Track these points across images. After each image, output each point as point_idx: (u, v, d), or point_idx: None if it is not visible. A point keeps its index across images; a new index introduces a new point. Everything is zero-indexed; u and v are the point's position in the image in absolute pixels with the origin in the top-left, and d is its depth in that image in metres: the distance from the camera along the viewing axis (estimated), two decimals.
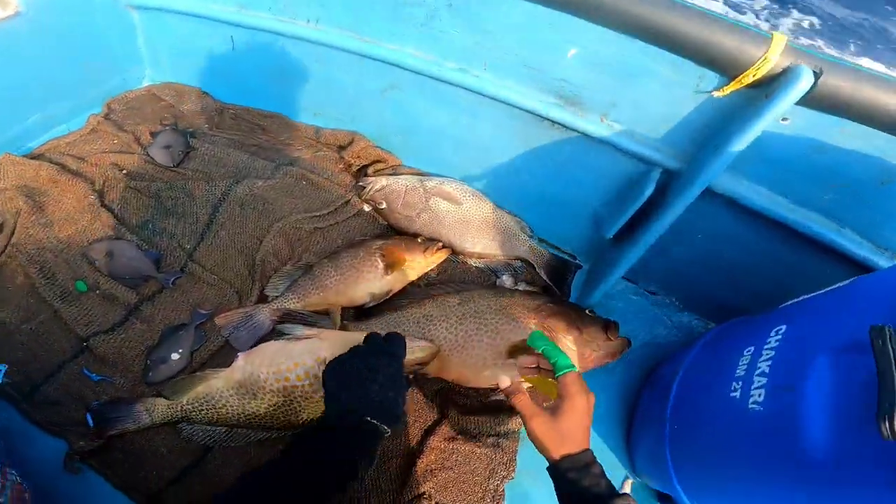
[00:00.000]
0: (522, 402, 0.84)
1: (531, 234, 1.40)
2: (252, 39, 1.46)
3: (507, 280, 1.32)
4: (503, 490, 1.06)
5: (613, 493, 0.75)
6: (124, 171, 1.38)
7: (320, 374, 0.86)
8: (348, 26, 1.28)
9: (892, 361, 0.57)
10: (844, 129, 0.89)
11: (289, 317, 1.13)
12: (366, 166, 1.46)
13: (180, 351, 1.09)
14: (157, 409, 0.99)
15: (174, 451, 1.01)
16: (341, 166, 1.47)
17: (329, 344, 0.98)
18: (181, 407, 0.99)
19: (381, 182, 1.33)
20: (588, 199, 1.27)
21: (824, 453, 0.68)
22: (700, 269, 1.28)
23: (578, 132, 1.13)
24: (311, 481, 0.74)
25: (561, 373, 0.84)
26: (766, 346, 0.85)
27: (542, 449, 0.81)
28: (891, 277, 0.77)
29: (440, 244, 1.27)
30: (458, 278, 1.31)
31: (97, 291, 1.15)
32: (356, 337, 0.94)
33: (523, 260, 1.36)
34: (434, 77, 1.21)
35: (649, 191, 1.08)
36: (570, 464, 0.77)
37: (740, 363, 0.89)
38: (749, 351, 0.89)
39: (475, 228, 1.32)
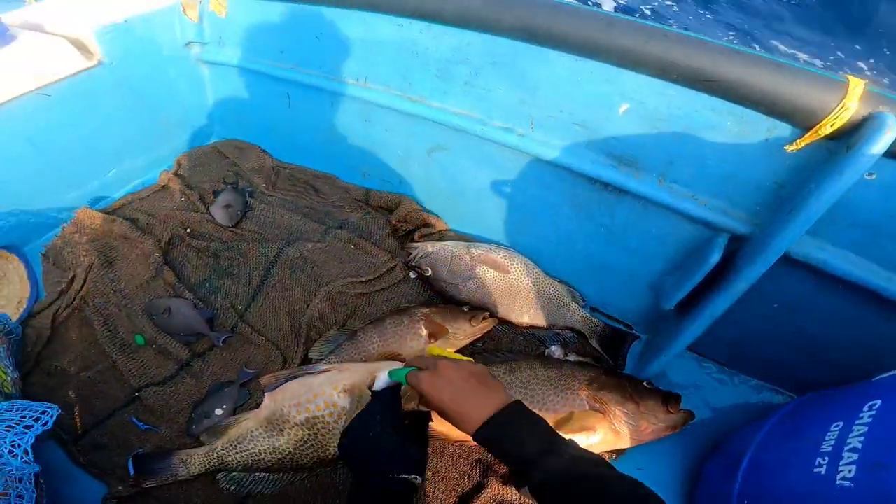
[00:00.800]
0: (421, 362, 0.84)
1: (583, 303, 1.38)
2: (306, 97, 1.59)
3: (556, 350, 1.29)
4: None
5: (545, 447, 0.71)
6: (188, 230, 1.49)
7: (341, 404, 0.90)
8: (395, 85, 1.37)
9: None
10: None
11: None
12: (412, 230, 1.50)
13: (224, 406, 1.14)
14: (194, 459, 1.04)
15: (209, 502, 1.03)
16: (388, 230, 1.52)
17: (349, 374, 1.01)
18: (216, 454, 1.04)
19: (427, 249, 1.37)
20: (646, 267, 1.24)
21: None
22: (777, 342, 1.19)
23: (634, 194, 1.11)
24: None
25: (405, 383, 0.83)
26: (857, 422, 0.83)
27: (449, 418, 0.77)
28: None
29: (486, 314, 1.27)
30: (505, 348, 1.30)
31: (153, 346, 1.24)
32: (373, 367, 0.96)
33: (575, 330, 1.33)
34: (479, 136, 1.25)
35: (715, 259, 1.02)
36: (482, 439, 0.74)
37: (826, 438, 0.86)
38: (837, 426, 0.85)
39: (523, 298, 1.32)
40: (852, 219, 0.91)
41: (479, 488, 1.07)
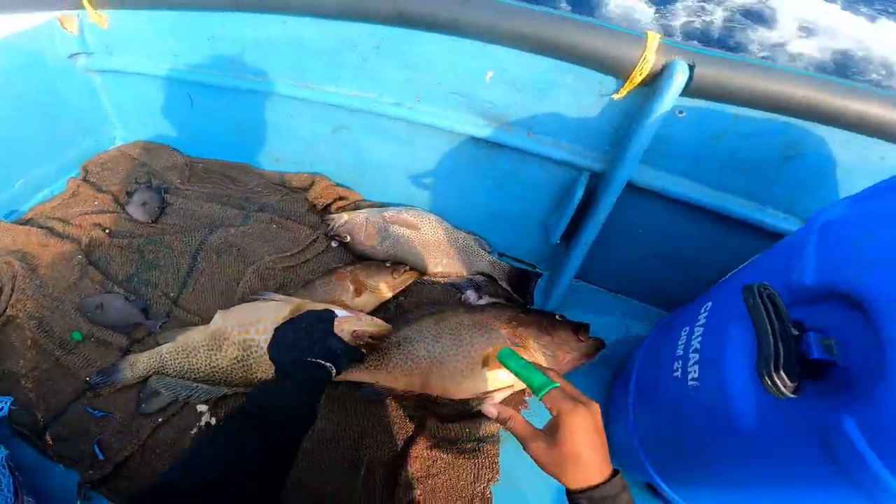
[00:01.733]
0: (517, 426, 0.78)
1: (490, 249, 1.61)
2: (208, 95, 1.70)
3: (471, 295, 1.51)
4: (490, 493, 1.19)
5: None
6: (107, 231, 1.58)
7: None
8: (291, 76, 1.52)
9: (765, 316, 0.62)
10: (737, 114, 1.07)
11: None
12: (329, 204, 1.66)
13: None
14: (140, 361, 1.24)
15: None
16: (307, 207, 1.68)
17: (295, 307, 1.16)
18: (160, 356, 1.23)
19: (343, 217, 1.54)
20: (533, 209, 1.49)
21: (754, 421, 0.73)
22: (648, 262, 1.46)
23: (510, 148, 1.34)
24: (273, 426, 0.78)
25: (541, 394, 0.76)
26: (696, 325, 0.94)
27: (554, 476, 0.72)
28: (788, 242, 0.86)
29: (406, 267, 1.47)
30: (426, 299, 1.50)
31: (92, 339, 1.34)
32: (324, 305, 1.12)
33: (485, 275, 1.56)
34: (375, 113, 1.44)
35: (580, 193, 1.28)
36: (588, 498, 0.68)
37: (679, 344, 0.98)
38: (685, 331, 0.98)
39: (435, 250, 1.53)
40: (676, 150, 1.17)
41: (420, 429, 1.25)
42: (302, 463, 1.19)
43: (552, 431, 0.72)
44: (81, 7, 1.59)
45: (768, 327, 0.59)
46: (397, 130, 1.46)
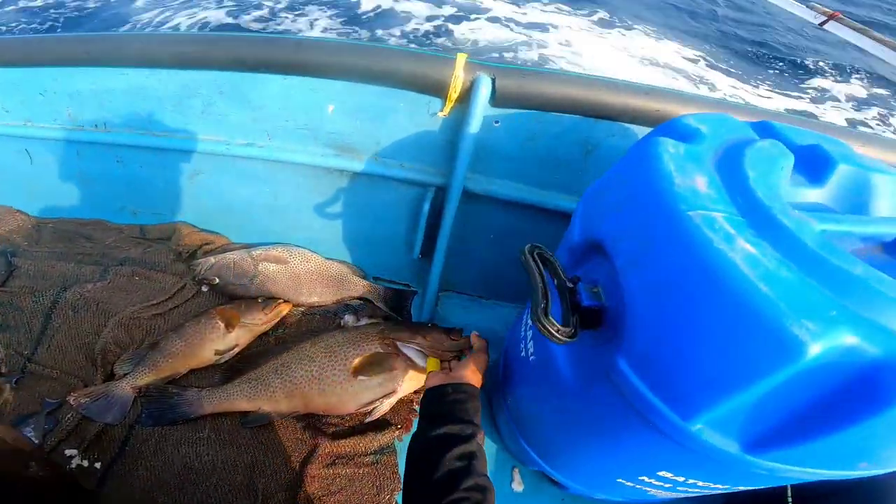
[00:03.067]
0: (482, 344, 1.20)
1: (363, 274, 1.71)
2: (48, 150, 1.68)
3: (349, 319, 1.60)
4: (397, 502, 1.26)
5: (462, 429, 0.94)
6: None
7: None
8: (138, 125, 1.56)
9: (534, 270, 0.75)
10: (540, 119, 1.28)
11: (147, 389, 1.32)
12: (195, 251, 1.69)
13: (33, 435, 1.23)
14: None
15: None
16: (171, 257, 1.69)
17: None
18: None
19: (210, 261, 1.58)
20: (395, 229, 1.62)
21: (570, 379, 0.86)
22: (503, 264, 1.61)
23: (363, 174, 1.49)
24: None
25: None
26: (529, 307, 1.13)
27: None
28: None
29: (279, 300, 1.53)
30: (306, 328, 1.57)
31: None
32: None
33: (363, 299, 1.65)
34: (229, 155, 1.53)
35: (426, 208, 1.45)
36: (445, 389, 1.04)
37: (521, 326, 1.16)
38: (524, 314, 1.15)
39: (307, 281, 1.61)
40: (500, 156, 1.38)
41: (313, 450, 1.30)
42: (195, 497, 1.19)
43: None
44: None
45: (536, 277, 0.73)
46: (254, 169, 1.55)
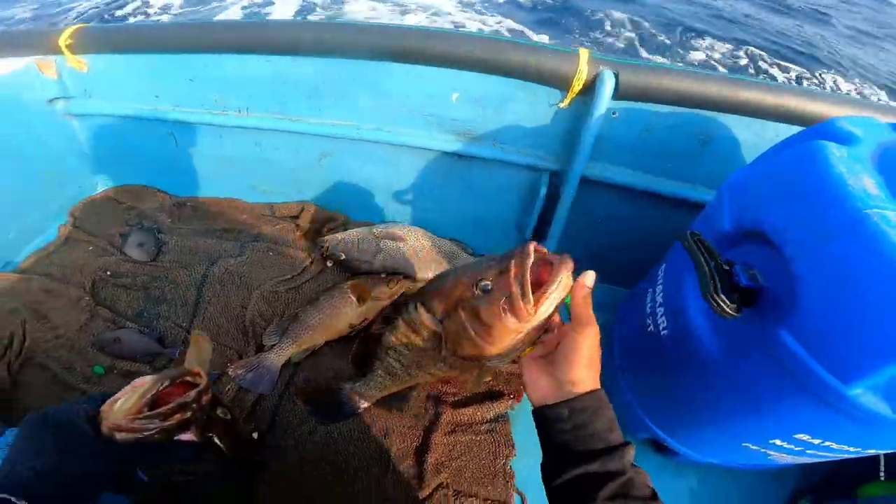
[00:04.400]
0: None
1: (472, 252, 1.86)
2: (191, 133, 1.88)
3: None
4: (511, 468, 1.39)
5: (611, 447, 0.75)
6: (108, 272, 1.72)
7: None
8: (276, 110, 1.73)
9: (699, 253, 0.83)
10: (658, 111, 1.40)
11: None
12: (320, 228, 1.88)
13: None
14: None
15: None
16: (298, 233, 1.88)
17: None
18: None
19: (337, 237, 1.76)
20: (506, 212, 1.76)
21: (716, 351, 0.95)
22: (609, 247, 1.75)
23: (480, 158, 1.62)
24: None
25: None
26: (657, 284, 1.22)
27: (551, 378, 0.82)
28: (710, 205, 1.11)
29: (399, 277, 1.70)
30: None
31: (115, 371, 1.48)
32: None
33: None
34: (357, 139, 1.68)
35: (543, 191, 1.57)
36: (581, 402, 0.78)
37: (647, 303, 1.26)
38: (650, 292, 1.26)
39: (424, 258, 1.76)
40: (617, 145, 1.49)
41: (437, 419, 1.45)
42: (336, 465, 1.38)
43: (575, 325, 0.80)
44: (59, 52, 1.73)
45: (702, 260, 0.82)
46: (378, 153, 1.71)
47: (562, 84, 1.39)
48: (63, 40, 1.68)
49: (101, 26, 1.81)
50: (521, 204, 1.72)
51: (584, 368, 0.80)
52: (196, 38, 1.63)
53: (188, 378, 0.94)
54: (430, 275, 1.77)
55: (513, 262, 0.76)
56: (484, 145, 1.60)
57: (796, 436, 0.90)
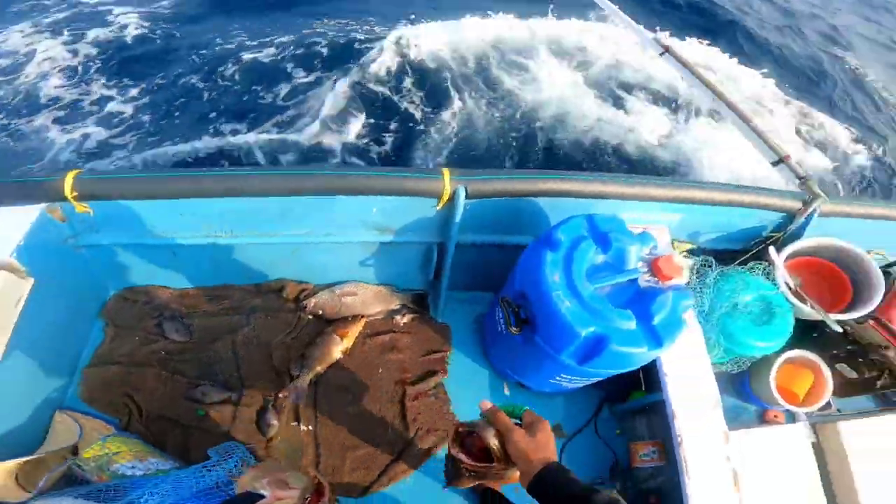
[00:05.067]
0: (502, 419, 1.28)
1: (399, 290, 2.96)
2: (188, 249, 2.49)
3: (398, 317, 2.87)
4: (451, 411, 2.64)
5: (593, 488, 1.09)
6: (164, 352, 2.65)
7: None
8: (255, 229, 2.47)
9: (504, 303, 2.14)
10: (496, 201, 2.40)
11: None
12: (297, 296, 2.89)
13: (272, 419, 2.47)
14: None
15: None
16: (282, 301, 2.88)
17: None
18: None
19: (312, 301, 2.79)
20: (414, 267, 2.84)
21: (520, 344, 2.29)
22: (481, 273, 2.90)
23: (395, 242, 2.62)
24: None
25: (523, 411, 1.36)
26: (497, 306, 2.43)
27: (522, 457, 1.19)
28: (511, 276, 2.41)
29: (359, 316, 2.77)
30: (374, 329, 2.82)
31: (208, 413, 2.46)
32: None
33: (404, 305, 2.91)
34: (313, 242, 2.58)
35: (434, 254, 2.67)
36: (555, 467, 1.15)
37: (496, 314, 2.49)
38: (496, 309, 2.48)
39: (371, 301, 2.86)
40: (477, 222, 2.52)
41: (404, 392, 2.64)
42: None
43: (530, 429, 1.25)
44: (65, 199, 2.09)
45: (507, 311, 2.04)
46: (330, 247, 2.65)
47: (436, 195, 2.37)
48: (68, 190, 2.07)
49: (96, 177, 2.21)
50: (423, 261, 2.81)
51: (521, 461, 1.20)
52: (184, 189, 2.16)
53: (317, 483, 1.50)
54: (377, 310, 2.87)
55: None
56: (396, 234, 2.60)
57: (561, 375, 2.14)
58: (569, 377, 2.20)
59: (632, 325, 1.90)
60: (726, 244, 2.78)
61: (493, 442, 1.28)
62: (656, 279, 2.04)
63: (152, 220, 2.35)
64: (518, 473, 1.25)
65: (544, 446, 1.21)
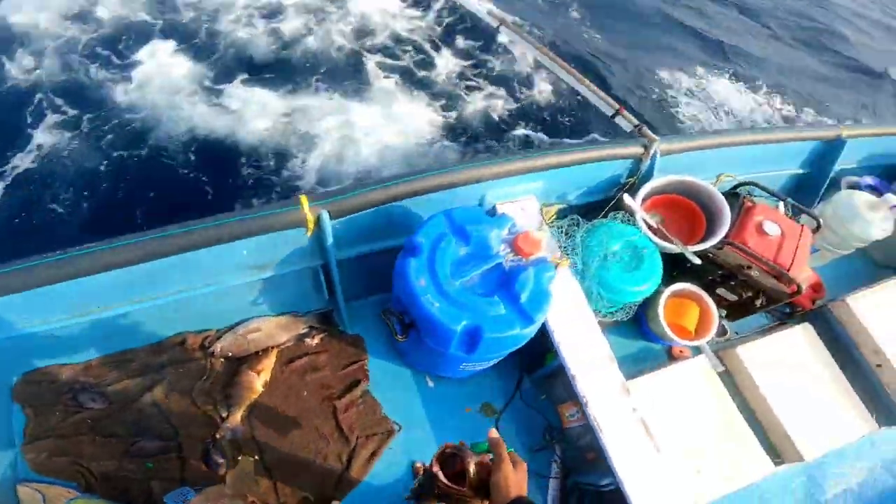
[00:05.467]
0: (503, 450, 1.37)
1: (302, 314, 3.04)
2: (73, 329, 2.47)
3: (307, 339, 2.96)
4: (384, 414, 2.77)
5: None
6: (90, 421, 2.65)
7: None
8: (125, 299, 2.44)
9: (390, 319, 2.33)
10: (363, 215, 2.53)
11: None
12: (202, 343, 2.92)
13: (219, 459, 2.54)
14: None
15: None
16: (188, 352, 2.90)
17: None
18: None
19: (218, 346, 2.84)
20: (309, 290, 2.93)
21: (414, 343, 2.45)
22: (377, 280, 2.99)
23: (281, 273, 2.63)
24: None
25: (510, 450, 1.40)
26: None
27: (502, 488, 1.29)
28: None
29: (268, 348, 2.85)
30: (289, 355, 2.91)
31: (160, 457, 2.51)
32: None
33: (310, 327, 3.00)
34: (195, 295, 2.52)
35: (321, 275, 2.77)
36: (528, 501, 1.26)
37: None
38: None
39: (277, 332, 2.93)
40: (352, 237, 2.67)
41: (336, 407, 2.75)
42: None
43: (513, 464, 1.34)
44: None
45: (393, 321, 2.19)
46: (215, 295, 2.63)
47: (301, 224, 2.31)
48: None
49: None
50: (313, 283, 2.90)
51: (499, 491, 1.29)
52: (33, 279, 2.12)
53: None
54: (285, 338, 2.95)
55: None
56: (276, 268, 2.61)
57: (464, 364, 2.31)
58: (472, 364, 2.38)
59: (501, 309, 2.07)
60: (590, 197, 3.03)
61: (472, 468, 1.38)
62: (520, 257, 2.22)
63: (18, 313, 2.28)
64: None
65: (523, 480, 1.35)
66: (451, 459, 1.45)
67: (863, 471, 1.67)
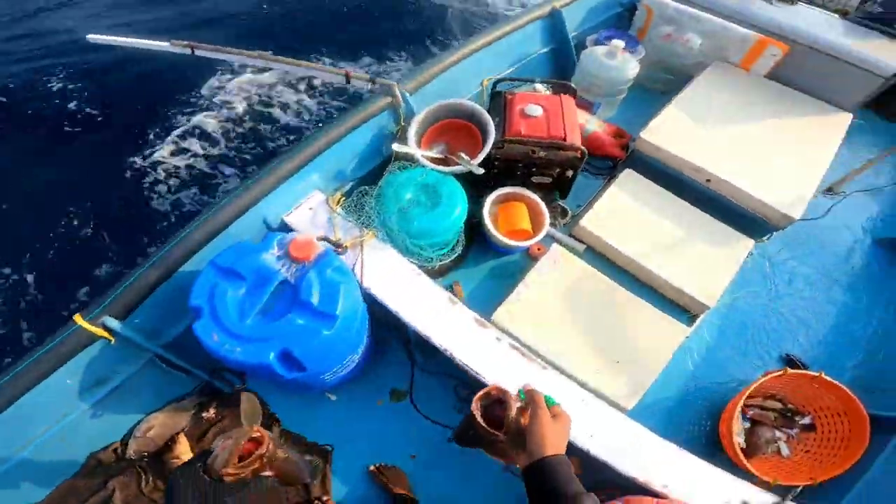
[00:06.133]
0: (540, 398, 1.31)
1: (182, 397, 3.16)
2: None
3: (205, 413, 3.12)
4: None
5: (585, 492, 1.10)
6: None
7: None
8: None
9: None
10: (151, 302, 2.46)
11: None
12: (114, 452, 3.09)
13: None
14: None
15: None
16: (107, 467, 3.08)
17: None
18: None
19: (131, 450, 3.00)
20: (163, 383, 2.83)
21: None
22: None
23: (114, 390, 2.53)
24: None
25: (553, 402, 1.33)
26: None
27: (537, 437, 1.21)
28: None
29: (175, 436, 3.02)
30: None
31: None
32: None
33: (197, 404, 3.15)
34: (57, 434, 2.43)
35: (158, 366, 2.86)
36: (563, 460, 1.17)
37: None
38: None
39: (171, 422, 3.05)
40: (152, 327, 2.61)
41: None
42: None
43: (556, 417, 1.27)
44: None
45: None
46: (75, 428, 2.51)
47: (91, 341, 2.25)
48: None
49: None
50: (161, 374, 2.70)
51: (534, 440, 1.21)
52: None
53: (253, 435, 1.56)
54: (183, 422, 3.11)
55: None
56: (108, 382, 2.51)
57: (323, 376, 2.47)
58: (331, 373, 2.48)
59: (299, 321, 2.19)
60: (371, 164, 3.09)
61: (513, 413, 1.33)
62: (302, 264, 2.33)
63: None
64: (519, 457, 1.27)
65: (562, 436, 1.26)
66: (491, 405, 1.40)
67: None
